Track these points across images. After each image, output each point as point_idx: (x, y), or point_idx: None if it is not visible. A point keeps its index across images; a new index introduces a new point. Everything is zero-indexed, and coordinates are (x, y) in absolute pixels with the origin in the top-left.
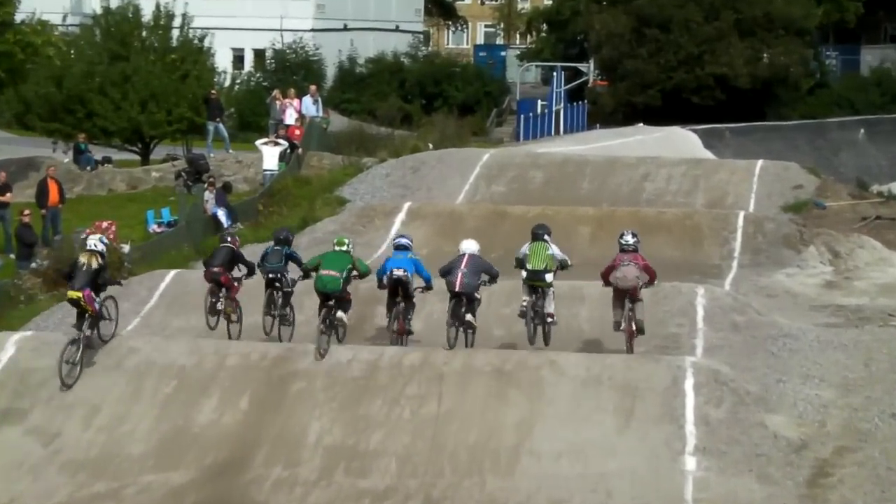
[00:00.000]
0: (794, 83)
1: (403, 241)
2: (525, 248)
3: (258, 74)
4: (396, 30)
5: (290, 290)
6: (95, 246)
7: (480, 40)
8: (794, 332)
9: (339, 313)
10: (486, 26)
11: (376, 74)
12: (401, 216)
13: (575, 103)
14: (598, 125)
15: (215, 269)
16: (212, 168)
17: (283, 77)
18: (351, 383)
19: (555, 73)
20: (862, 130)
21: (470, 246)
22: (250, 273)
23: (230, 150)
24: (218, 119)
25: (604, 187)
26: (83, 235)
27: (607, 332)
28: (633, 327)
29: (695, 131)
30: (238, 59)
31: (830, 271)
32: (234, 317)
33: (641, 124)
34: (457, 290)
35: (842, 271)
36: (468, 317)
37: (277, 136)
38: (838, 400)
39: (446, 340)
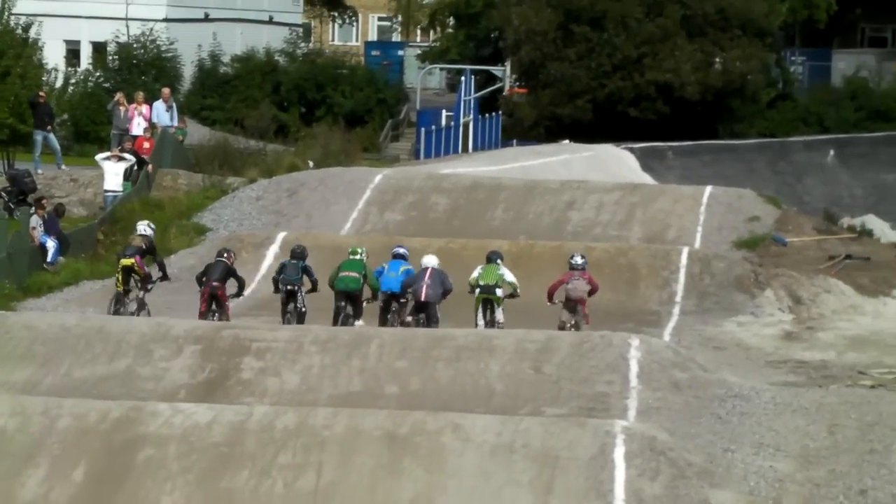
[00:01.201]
0: (753, 94)
1: (401, 250)
2: (477, 271)
3: (98, 73)
4: (270, 21)
5: (304, 309)
6: None
7: (373, 36)
8: (746, 393)
9: (358, 322)
10: (379, 19)
11: (245, 76)
12: (274, 248)
13: (487, 115)
14: (514, 141)
15: (215, 283)
16: (39, 187)
17: (130, 77)
18: (211, 450)
19: (463, 78)
20: (832, 152)
21: (431, 260)
22: (241, 290)
23: (63, 166)
24: (48, 128)
25: (521, 217)
26: None
27: (522, 390)
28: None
29: (631, 151)
30: (73, 54)
31: (790, 320)
32: None
33: (567, 141)
34: (422, 299)
35: (804, 320)
36: (432, 324)
37: (122, 150)
38: (797, 473)
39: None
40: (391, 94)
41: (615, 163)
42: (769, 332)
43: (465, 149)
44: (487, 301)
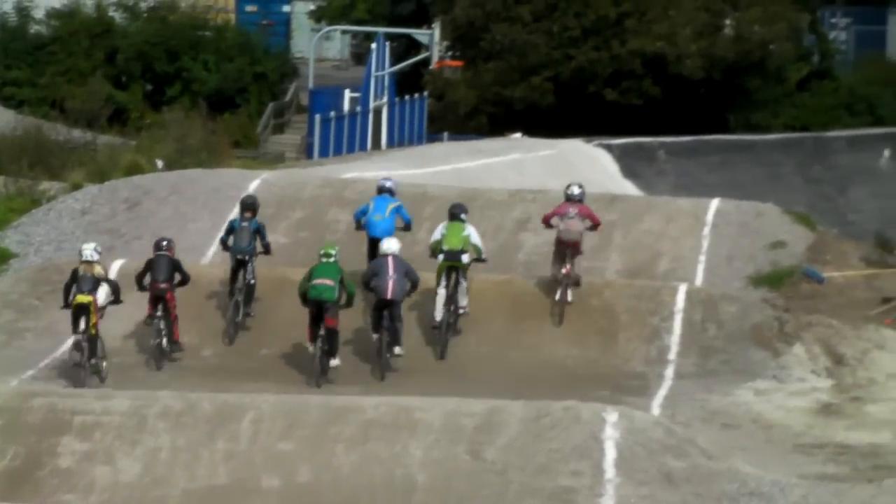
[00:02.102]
0: (778, 71)
1: (388, 183)
2: (441, 229)
3: None
4: None
5: (253, 281)
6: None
7: None
8: (767, 490)
9: (334, 361)
10: None
11: (66, 38)
12: (104, 287)
13: (408, 97)
14: (445, 135)
15: (161, 285)
16: None
17: None
18: None
19: (374, 46)
20: (886, 152)
21: (392, 246)
22: (184, 282)
23: None
24: None
25: None
26: None
27: (455, 483)
28: (568, 281)
29: (608, 148)
30: None
31: (829, 387)
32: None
33: (519, 135)
34: (388, 297)
35: (847, 388)
36: (397, 324)
37: None
38: None
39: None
40: (273, 66)
41: (586, 165)
42: (798, 403)
43: (377, 144)
44: (452, 269)
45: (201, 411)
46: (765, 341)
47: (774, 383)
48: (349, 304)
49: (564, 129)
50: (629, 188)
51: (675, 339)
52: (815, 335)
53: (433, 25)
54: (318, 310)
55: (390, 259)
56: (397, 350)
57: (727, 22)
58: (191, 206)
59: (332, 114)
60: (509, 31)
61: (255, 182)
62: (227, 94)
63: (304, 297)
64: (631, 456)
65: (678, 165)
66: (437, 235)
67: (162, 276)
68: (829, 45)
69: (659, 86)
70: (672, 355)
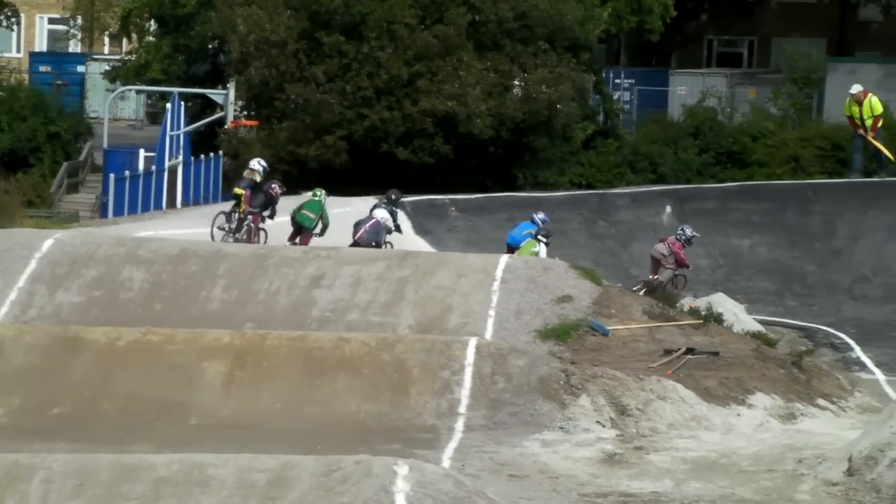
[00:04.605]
0: (564, 130)
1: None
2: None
3: None
4: None
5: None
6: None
7: (42, 46)
8: None
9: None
10: (51, 21)
11: None
12: None
13: (204, 156)
14: None
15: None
16: None
17: None
18: None
19: (170, 105)
20: (668, 208)
21: (381, 214)
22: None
23: None
24: None
25: (248, 297)
26: None
27: None
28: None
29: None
30: None
31: (613, 437)
32: None
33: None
34: (355, 239)
35: (631, 437)
36: None
37: None
38: None
39: None
40: (67, 126)
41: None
42: (585, 454)
43: (172, 203)
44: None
45: None
46: (552, 393)
47: (561, 434)
48: (323, 232)
49: (358, 186)
50: (422, 245)
51: (465, 393)
52: (600, 387)
53: (228, 85)
54: (299, 230)
55: (373, 221)
56: None
57: (516, 82)
58: None
59: (127, 173)
60: (303, 91)
61: (48, 241)
62: (21, 154)
63: (293, 218)
64: None
65: (469, 222)
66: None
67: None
68: (613, 105)
69: (450, 144)
70: (462, 408)
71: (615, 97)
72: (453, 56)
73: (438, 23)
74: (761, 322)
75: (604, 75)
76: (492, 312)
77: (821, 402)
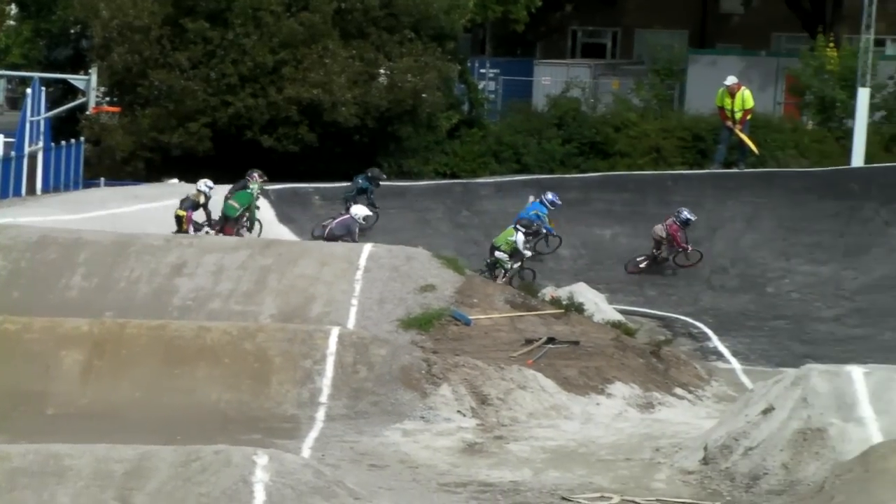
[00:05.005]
0: (429, 119)
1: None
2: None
3: None
4: None
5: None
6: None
7: None
8: None
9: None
10: None
11: None
12: None
13: (64, 142)
14: (102, 180)
15: None
16: None
17: None
18: None
19: (30, 91)
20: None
21: (357, 211)
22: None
23: None
24: None
25: (108, 286)
26: None
27: None
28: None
29: (264, 194)
30: None
31: (474, 426)
32: None
33: (176, 181)
34: (324, 234)
35: (491, 427)
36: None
37: None
38: None
39: None
40: None
41: None
42: (445, 443)
43: (32, 189)
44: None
45: None
46: (413, 383)
47: (422, 424)
48: (251, 228)
49: (222, 175)
50: (285, 233)
51: (326, 382)
52: (462, 376)
53: (90, 71)
54: (225, 220)
55: (346, 217)
56: None
57: (381, 71)
58: None
59: None
60: (167, 78)
61: None
62: None
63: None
64: (280, 498)
65: (332, 211)
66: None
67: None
68: (478, 95)
69: (315, 132)
70: (324, 398)
71: (480, 87)
72: (319, 44)
73: (304, 10)
74: (621, 312)
75: (469, 65)
76: (354, 301)
77: (678, 391)
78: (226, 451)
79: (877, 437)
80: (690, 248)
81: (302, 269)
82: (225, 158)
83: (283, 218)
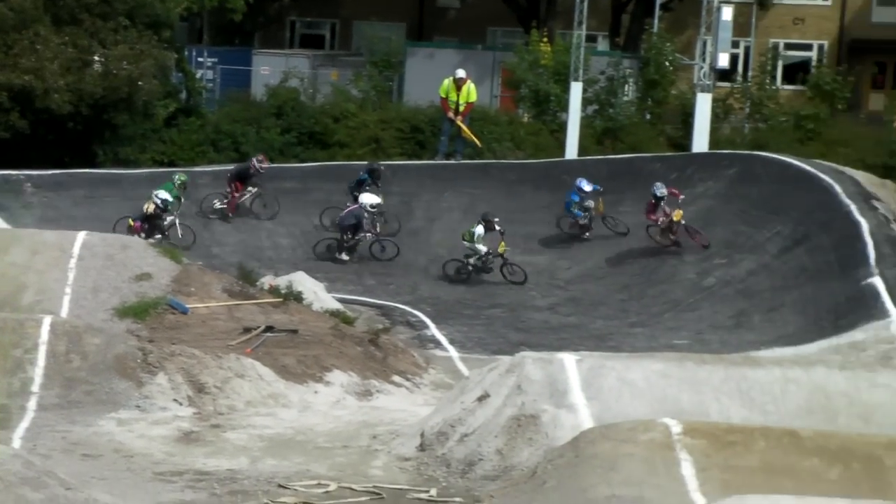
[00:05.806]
0: (145, 107)
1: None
2: None
3: None
4: None
5: None
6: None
7: None
8: None
9: None
10: None
11: None
12: None
13: None
14: None
15: None
16: None
17: None
18: None
19: None
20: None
21: (366, 199)
22: None
23: None
24: None
25: None
26: None
27: None
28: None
29: None
30: None
31: (190, 415)
32: None
33: None
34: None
35: (208, 416)
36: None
37: None
38: None
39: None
40: None
41: None
42: (160, 432)
43: None
44: None
45: None
46: (129, 372)
47: (138, 413)
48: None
49: None
50: None
51: (38, 372)
52: (178, 365)
53: None
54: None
55: (355, 206)
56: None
57: (96, 58)
58: None
59: None
60: None
61: None
62: None
63: None
64: None
65: (46, 199)
66: None
67: None
68: (195, 84)
69: (26, 119)
70: (35, 387)
71: (198, 75)
72: (30, 29)
73: None
74: (340, 300)
75: (186, 53)
76: (68, 290)
77: (396, 378)
78: None
79: (587, 423)
80: (661, 220)
81: (13, 258)
82: None
83: None
